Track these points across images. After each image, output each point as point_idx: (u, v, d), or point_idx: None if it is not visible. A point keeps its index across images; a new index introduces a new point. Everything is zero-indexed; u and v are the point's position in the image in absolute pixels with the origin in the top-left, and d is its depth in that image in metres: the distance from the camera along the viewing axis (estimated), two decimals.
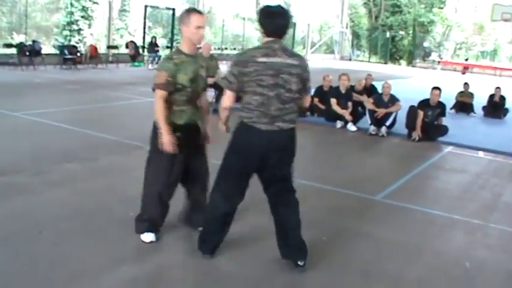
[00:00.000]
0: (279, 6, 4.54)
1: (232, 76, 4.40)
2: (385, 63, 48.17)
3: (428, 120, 11.71)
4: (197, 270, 4.73)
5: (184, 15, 4.84)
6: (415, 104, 11.90)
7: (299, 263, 4.75)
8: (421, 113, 11.56)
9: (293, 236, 4.75)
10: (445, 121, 12.03)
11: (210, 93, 11.80)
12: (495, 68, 44.06)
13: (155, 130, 4.91)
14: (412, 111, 11.80)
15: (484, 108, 17.01)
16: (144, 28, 29.55)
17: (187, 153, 4.95)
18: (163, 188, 4.98)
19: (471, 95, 17.45)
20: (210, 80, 7.65)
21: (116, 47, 27.79)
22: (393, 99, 12.14)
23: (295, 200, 4.78)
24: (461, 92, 17.63)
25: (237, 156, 4.55)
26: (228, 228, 4.84)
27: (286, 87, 4.41)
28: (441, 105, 11.93)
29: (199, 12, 4.91)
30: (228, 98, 4.50)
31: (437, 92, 11.76)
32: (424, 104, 11.79)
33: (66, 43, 25.78)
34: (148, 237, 5.06)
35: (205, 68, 5.01)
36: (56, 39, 27.74)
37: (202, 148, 5.24)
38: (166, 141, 4.72)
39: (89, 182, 6.90)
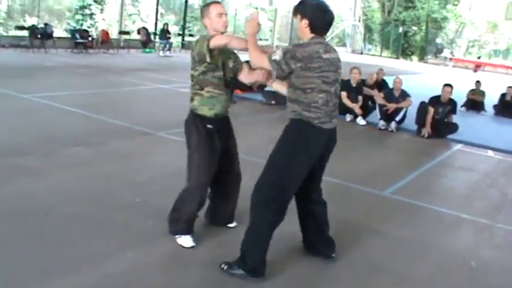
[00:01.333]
0: (324, 2, 4.48)
1: (286, 66, 4.20)
2: (397, 58, 47.99)
3: (439, 117, 11.64)
4: (203, 260, 4.71)
5: (203, 9, 4.81)
6: (426, 100, 11.83)
7: (332, 255, 4.89)
8: (431, 110, 11.49)
9: (326, 231, 4.90)
10: (455, 119, 11.95)
11: None
12: (507, 67, 43.81)
13: (188, 126, 4.81)
14: (422, 108, 11.73)
15: (495, 107, 16.90)
16: (157, 15, 29.56)
17: (221, 148, 4.86)
18: (206, 186, 4.85)
19: (482, 93, 17.35)
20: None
21: (127, 33, 27.79)
22: (404, 95, 12.08)
23: (321, 198, 4.92)
24: (473, 89, 17.54)
25: (303, 160, 4.36)
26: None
27: (340, 82, 4.49)
28: (452, 103, 11.85)
29: (217, 1, 4.85)
30: (269, 67, 4.31)
31: (448, 89, 11.68)
32: (435, 100, 11.72)
33: (78, 27, 25.77)
34: (187, 241, 4.84)
35: (233, 58, 4.91)
36: (68, 23, 27.72)
37: (234, 143, 5.12)
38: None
39: (96, 167, 6.90)
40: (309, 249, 4.94)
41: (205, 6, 4.84)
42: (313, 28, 4.31)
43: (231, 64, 4.87)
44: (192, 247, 4.82)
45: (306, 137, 4.31)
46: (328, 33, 4.49)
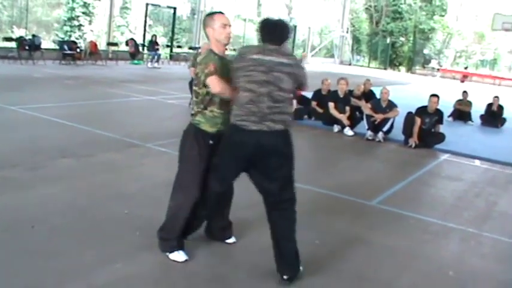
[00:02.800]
0: (280, 20, 4.58)
1: (232, 73, 4.47)
2: (385, 69, 48.20)
3: (426, 127, 11.70)
4: (191, 271, 4.72)
5: (207, 19, 4.75)
6: (413, 111, 11.90)
7: (284, 276, 4.59)
8: (418, 120, 11.56)
9: (287, 250, 4.61)
10: (442, 128, 12.02)
11: None
12: (494, 77, 44.08)
13: (187, 136, 4.77)
14: (409, 118, 11.80)
15: (481, 116, 17.00)
16: (145, 26, 29.58)
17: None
18: (199, 196, 4.72)
19: (469, 103, 17.46)
20: None
21: (116, 44, 27.81)
22: (391, 105, 12.15)
23: (292, 210, 4.63)
24: (460, 100, 17.64)
25: (229, 156, 4.52)
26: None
27: (278, 85, 4.34)
28: (439, 113, 11.92)
29: (221, 12, 4.81)
30: (221, 86, 4.50)
31: (435, 99, 11.75)
32: (422, 110, 11.79)
33: (66, 38, 25.75)
34: (180, 256, 4.81)
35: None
36: (56, 35, 27.70)
37: None
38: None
39: (85, 178, 6.89)
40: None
41: (209, 16, 4.78)
42: (262, 40, 4.51)
43: None
44: (186, 261, 4.80)
45: (229, 136, 4.50)
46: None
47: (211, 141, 4.68)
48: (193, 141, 4.69)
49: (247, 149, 4.38)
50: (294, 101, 4.78)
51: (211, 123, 4.68)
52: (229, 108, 4.60)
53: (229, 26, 4.71)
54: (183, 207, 4.74)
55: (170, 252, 4.82)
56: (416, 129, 11.54)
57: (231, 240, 5.30)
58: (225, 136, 4.51)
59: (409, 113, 11.92)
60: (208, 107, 4.65)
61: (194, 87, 4.76)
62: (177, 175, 4.82)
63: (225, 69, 4.57)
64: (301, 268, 4.70)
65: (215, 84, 4.49)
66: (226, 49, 4.82)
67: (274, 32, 4.47)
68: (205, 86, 4.56)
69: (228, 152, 4.51)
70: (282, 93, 4.37)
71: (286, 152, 4.48)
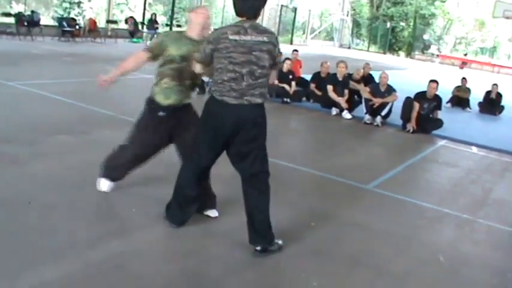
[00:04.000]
0: None
1: (203, 53, 4.53)
2: (384, 53, 48.15)
3: (424, 113, 11.70)
4: (187, 249, 4.72)
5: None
6: (412, 96, 11.89)
7: (257, 247, 4.70)
8: (416, 105, 11.55)
9: (258, 221, 4.68)
10: (440, 114, 12.02)
11: None
12: (493, 65, 44.12)
13: (146, 103, 5.23)
14: (407, 103, 11.79)
15: (480, 104, 17.02)
16: (145, 4, 29.42)
17: (172, 133, 5.15)
18: (138, 153, 5.30)
19: (468, 90, 17.47)
20: None
21: (115, 22, 27.68)
22: (390, 90, 12.13)
23: (267, 183, 4.69)
24: (459, 86, 17.65)
25: (207, 129, 4.61)
26: (196, 204, 4.99)
27: (259, 64, 4.44)
28: (437, 98, 11.92)
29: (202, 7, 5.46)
30: (198, 67, 4.73)
31: (434, 84, 11.74)
32: (421, 96, 11.78)
33: (65, 15, 25.61)
34: (104, 184, 5.49)
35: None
36: (55, 11, 27.53)
37: (193, 127, 5.20)
38: (104, 78, 5.24)
39: (81, 155, 6.87)
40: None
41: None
42: (236, 12, 4.53)
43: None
44: (105, 192, 5.44)
45: (208, 108, 4.57)
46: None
47: (161, 113, 5.08)
48: (148, 109, 5.21)
49: (227, 121, 4.48)
50: (274, 72, 4.77)
51: (165, 94, 5.05)
52: (182, 81, 5.03)
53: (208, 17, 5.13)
54: (122, 153, 5.41)
55: (104, 178, 5.52)
56: (414, 114, 11.53)
57: (213, 214, 5.36)
58: (203, 110, 4.62)
59: (408, 98, 11.91)
60: (162, 79, 5.06)
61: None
62: (130, 132, 5.42)
63: (189, 46, 4.95)
64: (280, 241, 4.81)
65: (135, 55, 5.25)
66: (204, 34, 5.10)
67: (255, 4, 4.48)
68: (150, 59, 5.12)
69: (206, 125, 4.61)
70: (262, 71, 4.48)
71: (262, 122, 4.60)
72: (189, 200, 4.91)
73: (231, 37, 4.36)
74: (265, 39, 4.44)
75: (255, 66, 4.41)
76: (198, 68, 4.75)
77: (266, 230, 4.71)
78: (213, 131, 4.55)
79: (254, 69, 4.41)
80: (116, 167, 5.45)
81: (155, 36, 25.08)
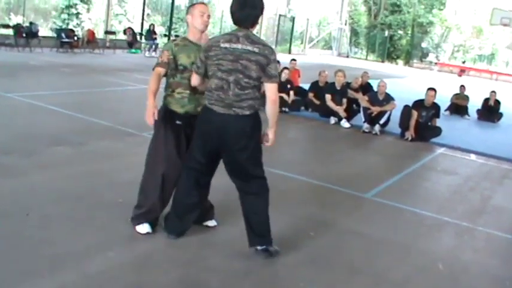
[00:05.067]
0: None
1: (199, 61, 4.60)
2: (382, 61, 48.25)
3: (422, 121, 11.71)
4: (184, 260, 4.71)
5: (190, 8, 5.06)
6: (410, 104, 11.90)
7: (257, 247, 4.77)
8: (415, 113, 11.56)
9: (256, 222, 4.74)
10: (438, 122, 12.03)
11: None
12: (492, 72, 44.20)
13: (158, 117, 4.90)
14: (406, 111, 11.80)
15: (478, 111, 17.03)
16: (143, 15, 29.51)
17: (187, 143, 4.98)
18: (165, 174, 4.94)
19: (466, 98, 17.50)
20: None
21: (113, 33, 27.74)
22: (388, 98, 12.14)
23: (263, 187, 4.73)
24: (457, 94, 17.68)
25: (198, 135, 4.69)
26: (194, 212, 4.97)
27: (246, 73, 4.42)
28: (436, 107, 11.92)
29: (202, 2, 5.16)
30: (193, 79, 4.73)
31: (432, 92, 11.75)
32: (419, 104, 11.79)
33: (63, 26, 25.67)
34: (143, 228, 4.99)
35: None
36: (54, 22, 27.60)
37: None
38: (149, 113, 4.77)
39: (79, 166, 6.87)
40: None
41: (191, 5, 5.09)
42: (232, 21, 4.55)
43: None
44: (148, 233, 4.98)
45: (201, 117, 4.66)
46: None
47: (178, 122, 4.95)
48: (162, 121, 4.94)
49: (213, 129, 4.53)
50: (273, 86, 4.71)
51: (180, 104, 4.95)
52: (196, 89, 4.91)
53: (208, 15, 4.98)
54: (150, 183, 5.01)
55: (136, 224, 5.04)
56: (412, 122, 11.54)
57: (212, 223, 5.37)
58: (198, 116, 4.71)
59: (406, 106, 11.92)
60: (176, 89, 4.94)
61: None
62: (148, 151, 5.12)
63: (196, 52, 4.87)
64: (276, 247, 4.83)
65: (153, 75, 4.89)
66: (203, 37, 5.03)
67: (252, 13, 4.48)
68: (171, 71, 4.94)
69: (197, 131, 4.70)
70: (250, 81, 4.46)
71: (251, 132, 4.58)
72: (188, 209, 4.90)
73: (222, 45, 4.43)
74: (255, 49, 4.42)
75: (241, 74, 4.42)
76: (194, 79, 4.73)
77: (265, 231, 4.76)
78: (202, 136, 4.64)
79: (240, 77, 4.42)
80: (150, 210, 5.03)
81: (153, 46, 25.21)
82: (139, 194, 5.10)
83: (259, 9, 4.51)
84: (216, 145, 4.59)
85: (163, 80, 4.99)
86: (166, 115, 4.96)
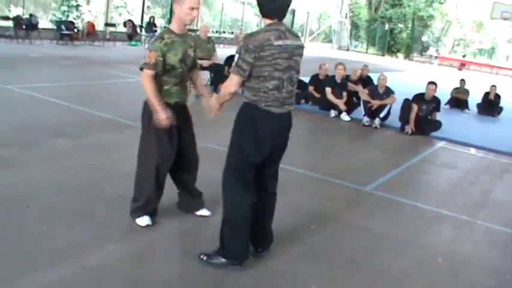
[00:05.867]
0: None
1: (245, 64, 4.14)
2: (383, 55, 48.18)
3: (422, 115, 11.70)
4: (184, 253, 4.71)
5: None
6: (410, 98, 11.89)
7: (259, 249, 4.75)
8: (415, 107, 11.55)
9: (265, 227, 4.71)
10: (438, 116, 12.03)
11: (205, 76, 11.79)
12: (492, 66, 44.15)
13: (145, 110, 4.95)
14: (406, 105, 11.79)
15: (478, 105, 17.02)
16: (143, 7, 29.48)
17: (177, 132, 4.97)
18: (159, 165, 4.93)
19: (466, 92, 17.47)
20: (206, 63, 7.87)
21: (113, 25, 27.70)
22: (388, 92, 12.12)
23: (275, 189, 4.72)
24: (457, 88, 17.66)
25: (254, 143, 4.29)
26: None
27: (296, 68, 4.36)
28: (436, 100, 11.91)
29: None
30: (235, 85, 4.26)
31: (432, 86, 11.74)
32: (419, 98, 11.78)
33: (63, 18, 25.63)
34: (143, 220, 5.00)
35: (193, 47, 5.04)
36: (54, 14, 27.55)
37: (191, 130, 5.22)
38: (163, 117, 4.70)
39: (79, 159, 6.87)
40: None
41: None
42: (265, 13, 4.26)
43: (191, 53, 5.01)
44: (147, 225, 4.97)
45: (252, 118, 4.27)
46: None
47: (168, 112, 4.83)
48: (150, 113, 4.84)
49: (272, 127, 4.30)
50: None
51: (168, 96, 4.90)
52: (183, 83, 4.97)
53: (197, 9, 4.80)
54: (144, 176, 5.00)
55: (136, 218, 5.02)
56: (413, 116, 11.53)
57: (205, 212, 5.42)
58: (244, 120, 4.33)
59: (406, 100, 11.91)
60: (164, 86, 4.88)
61: None
62: (139, 145, 5.08)
63: (183, 45, 4.86)
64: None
65: (145, 79, 4.79)
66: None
67: (278, 4, 4.24)
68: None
69: (250, 135, 4.29)
70: (297, 76, 4.42)
71: (289, 131, 4.55)
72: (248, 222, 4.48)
73: (275, 43, 4.14)
74: (300, 43, 4.37)
75: (293, 71, 4.32)
76: (234, 85, 4.27)
77: (271, 233, 4.78)
78: (258, 141, 4.29)
79: (293, 74, 4.32)
80: (147, 202, 5.04)
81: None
82: (134, 186, 5.11)
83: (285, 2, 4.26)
84: (271, 147, 4.38)
85: None
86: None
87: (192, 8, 4.72)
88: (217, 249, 4.44)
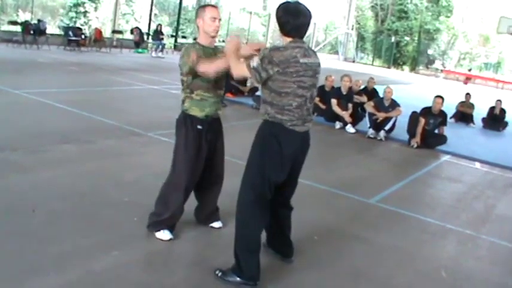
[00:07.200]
0: (300, 4, 4.32)
1: (265, 73, 4.12)
2: (388, 67, 48.19)
3: (429, 128, 11.70)
4: (189, 261, 4.74)
5: (199, 10, 4.90)
6: (416, 111, 11.90)
7: (292, 258, 4.90)
8: (422, 120, 11.55)
9: (287, 237, 4.86)
10: (445, 130, 12.02)
11: None
12: (498, 81, 44.11)
13: (178, 125, 4.91)
14: (413, 117, 11.80)
15: (483, 119, 17.00)
16: (150, 15, 29.56)
17: (207, 148, 4.95)
18: (188, 181, 4.90)
19: (472, 106, 17.46)
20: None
21: (120, 32, 27.81)
22: (394, 104, 12.13)
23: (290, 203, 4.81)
24: (463, 101, 17.64)
25: (277, 161, 4.27)
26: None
27: (316, 86, 4.40)
28: (443, 114, 11.91)
29: (213, 5, 4.94)
30: (246, 76, 4.40)
31: (439, 100, 11.74)
32: (426, 111, 11.78)
33: (71, 24, 25.73)
34: (165, 235, 4.95)
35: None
36: (62, 20, 27.67)
37: (222, 146, 5.19)
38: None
39: (85, 164, 6.90)
40: (269, 247, 4.94)
41: (201, 7, 4.92)
42: (285, 31, 4.24)
43: None
44: (170, 239, 4.94)
45: (276, 138, 4.22)
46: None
47: (199, 126, 4.84)
48: (183, 128, 4.85)
49: (296, 146, 4.31)
50: None
51: (200, 107, 4.83)
52: (216, 92, 4.87)
53: (219, 19, 4.83)
54: (172, 194, 4.92)
55: (156, 231, 4.97)
56: (419, 129, 11.53)
57: (217, 224, 5.39)
58: (266, 137, 4.28)
59: (414, 113, 11.92)
60: (195, 90, 4.82)
61: (180, 76, 4.88)
62: (172, 160, 4.97)
63: (212, 55, 4.79)
64: None
65: (207, 67, 4.62)
66: (214, 41, 4.92)
67: (300, 23, 4.24)
68: (189, 74, 4.74)
69: (275, 154, 4.24)
70: (315, 93, 4.42)
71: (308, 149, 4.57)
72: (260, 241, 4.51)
73: (301, 60, 4.13)
74: (319, 61, 4.38)
75: (314, 89, 4.35)
76: (242, 75, 4.42)
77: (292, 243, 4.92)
78: (285, 160, 4.28)
79: (314, 92, 4.35)
80: (172, 216, 4.97)
81: (159, 46, 25.21)
82: (157, 202, 5.01)
83: (310, 17, 4.27)
84: (292, 166, 4.40)
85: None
86: (186, 121, 4.86)
87: (214, 18, 4.77)
88: (232, 267, 4.40)
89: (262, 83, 4.22)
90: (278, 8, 4.28)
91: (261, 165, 4.29)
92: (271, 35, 42.85)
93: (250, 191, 4.34)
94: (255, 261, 4.35)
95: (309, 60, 4.21)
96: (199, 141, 4.85)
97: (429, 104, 11.92)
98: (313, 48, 17.99)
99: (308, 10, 4.27)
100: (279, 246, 4.90)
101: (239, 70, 4.34)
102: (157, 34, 26.33)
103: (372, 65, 48.84)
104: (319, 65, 4.36)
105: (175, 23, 31.85)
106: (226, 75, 4.92)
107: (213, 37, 4.87)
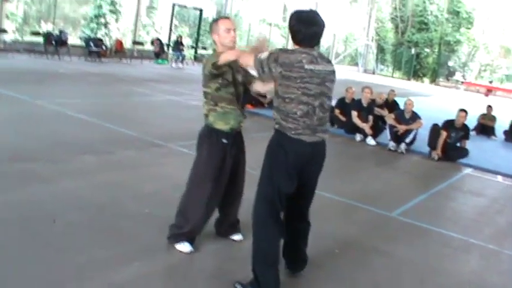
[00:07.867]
0: (313, 12, 4.29)
1: (267, 69, 4.12)
2: (408, 79, 47.94)
3: (451, 142, 11.58)
4: (209, 273, 4.70)
5: (213, 24, 4.90)
6: (436, 123, 11.80)
7: (296, 271, 4.79)
8: (444, 133, 11.43)
9: (303, 252, 4.74)
10: (467, 144, 11.89)
11: None
12: None
13: (201, 139, 4.89)
14: (435, 129, 11.69)
15: (505, 132, 16.81)
16: (171, 26, 29.71)
17: (232, 162, 4.92)
18: (211, 196, 4.86)
19: (494, 118, 17.29)
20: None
21: (141, 43, 27.97)
22: (414, 117, 12.04)
23: (308, 218, 4.69)
24: (484, 114, 17.48)
25: (285, 172, 4.23)
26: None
27: (328, 95, 4.27)
28: (465, 128, 11.80)
29: (226, 17, 4.92)
30: (258, 83, 4.58)
31: (463, 114, 11.62)
32: (449, 124, 11.66)
33: (92, 35, 25.91)
34: (185, 247, 4.91)
35: (242, 73, 4.92)
36: (83, 31, 27.88)
37: (244, 161, 5.16)
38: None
39: (105, 175, 6.90)
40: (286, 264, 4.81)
41: (214, 22, 4.92)
42: (297, 40, 4.21)
43: (240, 78, 4.90)
44: (191, 252, 4.90)
45: (282, 148, 4.19)
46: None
47: (224, 140, 4.80)
48: (208, 142, 4.83)
49: (303, 158, 4.25)
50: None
51: (224, 120, 4.80)
52: (239, 105, 4.83)
53: (234, 30, 4.82)
54: (192, 208, 4.87)
55: (176, 243, 4.92)
56: (441, 142, 11.41)
57: (238, 237, 5.34)
58: (274, 148, 4.27)
59: (435, 125, 11.81)
60: (219, 103, 4.78)
61: (203, 88, 4.85)
62: (190, 173, 4.94)
63: (231, 69, 4.75)
64: None
65: (229, 53, 4.52)
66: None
67: (318, 31, 4.21)
68: (214, 78, 4.70)
69: (282, 164, 4.22)
70: (329, 103, 4.34)
71: (324, 160, 4.49)
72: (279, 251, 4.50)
73: (306, 66, 4.07)
74: (332, 68, 4.29)
75: (325, 97, 4.23)
76: (257, 84, 4.57)
77: (306, 255, 4.79)
78: (292, 170, 4.23)
79: (324, 100, 4.24)
80: (193, 230, 4.94)
81: (180, 57, 25.30)
82: (177, 215, 4.97)
83: (323, 26, 4.22)
84: (304, 177, 4.34)
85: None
86: (211, 135, 4.83)
87: (228, 30, 4.76)
88: (251, 281, 4.35)
89: (265, 80, 4.34)
90: (291, 16, 4.25)
91: (270, 176, 4.27)
92: (290, 46, 42.87)
93: (263, 202, 4.31)
94: (273, 275, 4.30)
95: (316, 67, 4.13)
96: (224, 155, 4.82)
97: (450, 116, 11.81)
98: (332, 59, 17.80)
99: (321, 19, 4.23)
100: (292, 260, 4.76)
101: (245, 59, 4.35)
102: (178, 45, 26.46)
103: (392, 76, 48.64)
104: (331, 73, 4.27)
105: (196, 34, 31.98)
106: (246, 88, 4.90)
107: (231, 48, 4.80)
